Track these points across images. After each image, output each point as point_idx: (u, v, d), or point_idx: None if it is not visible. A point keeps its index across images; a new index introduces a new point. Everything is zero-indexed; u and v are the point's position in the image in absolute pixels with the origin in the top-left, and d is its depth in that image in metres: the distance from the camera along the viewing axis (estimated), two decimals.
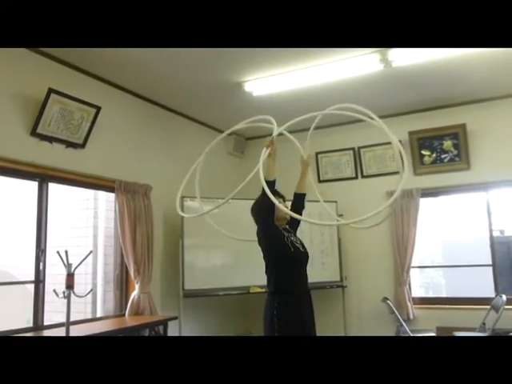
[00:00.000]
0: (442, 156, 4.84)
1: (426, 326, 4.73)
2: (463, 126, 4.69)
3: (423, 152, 4.91)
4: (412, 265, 4.92)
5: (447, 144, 4.82)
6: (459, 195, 5.02)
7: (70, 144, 3.65)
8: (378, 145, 5.13)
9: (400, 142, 5.00)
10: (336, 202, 5.11)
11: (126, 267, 4.14)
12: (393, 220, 4.98)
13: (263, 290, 4.53)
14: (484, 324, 4.18)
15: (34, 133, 3.38)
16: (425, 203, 5.01)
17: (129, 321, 3.90)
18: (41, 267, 3.52)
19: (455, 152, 4.78)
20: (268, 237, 2.76)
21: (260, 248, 2.83)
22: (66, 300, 3.03)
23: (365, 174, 5.23)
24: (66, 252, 2.92)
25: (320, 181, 5.44)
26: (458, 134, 4.73)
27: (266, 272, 2.78)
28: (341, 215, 5.11)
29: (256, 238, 2.84)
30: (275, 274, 2.71)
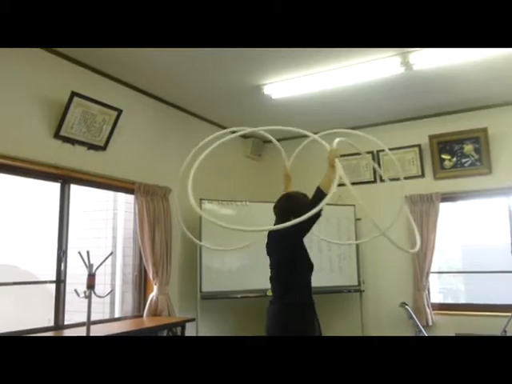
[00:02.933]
0: (463, 160, 4.78)
1: (445, 332, 4.67)
2: (485, 130, 4.62)
3: (443, 156, 4.85)
4: (431, 270, 4.87)
5: (468, 148, 4.75)
6: (480, 200, 4.94)
7: (91, 146, 3.71)
8: (396, 148, 5.08)
9: (420, 145, 4.98)
10: (354, 205, 5.08)
11: (145, 268, 4.18)
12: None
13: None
14: (505, 331, 4.10)
15: (57, 135, 3.44)
16: (445, 208, 4.95)
17: (147, 322, 3.93)
18: (62, 267, 3.58)
19: (476, 156, 4.71)
20: (301, 247, 2.70)
21: (279, 256, 2.68)
22: (85, 300, 3.08)
23: (383, 177, 5.18)
24: (88, 252, 2.96)
25: (338, 184, 5.41)
26: (479, 138, 4.66)
27: (283, 281, 2.61)
28: (359, 219, 5.09)
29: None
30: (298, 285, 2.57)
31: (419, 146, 4.96)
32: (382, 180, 5.21)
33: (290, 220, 2.34)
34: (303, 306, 2.54)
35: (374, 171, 5.23)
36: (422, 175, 4.99)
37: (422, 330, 4.49)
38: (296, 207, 2.56)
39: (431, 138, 4.86)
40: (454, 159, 4.81)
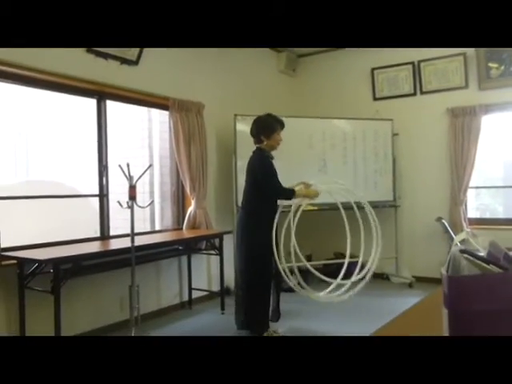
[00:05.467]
0: None
1: (481, 245, 4.66)
2: None
3: (490, 64, 4.55)
4: (470, 185, 4.78)
5: None
6: None
7: (124, 61, 3.67)
8: (439, 58, 4.80)
9: (465, 54, 4.67)
10: (392, 120, 4.93)
11: (182, 184, 4.28)
12: (452, 138, 4.78)
13: (315, 207, 4.58)
14: None
15: (89, 49, 3.40)
16: (488, 120, 4.73)
17: (186, 233, 4.10)
18: (104, 182, 3.71)
19: None
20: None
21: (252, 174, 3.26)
22: (126, 215, 3.21)
23: (424, 89, 4.95)
24: (128, 165, 3.04)
25: (375, 98, 5.23)
26: None
27: (249, 194, 3.28)
28: (396, 134, 4.96)
29: None
30: (260, 200, 3.22)
31: (464, 54, 4.65)
32: (422, 92, 4.99)
33: (260, 139, 3.26)
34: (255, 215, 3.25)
35: (414, 83, 4.98)
36: (466, 86, 4.72)
37: (458, 243, 4.49)
38: (262, 127, 3.27)
39: None
40: (502, 67, 4.50)
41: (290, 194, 3.21)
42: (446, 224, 4.58)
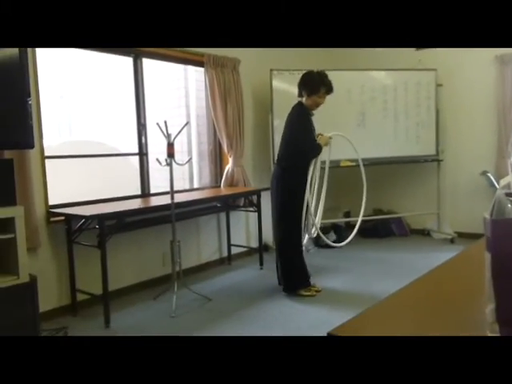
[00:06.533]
0: None
1: None
2: None
3: None
4: None
5: None
6: None
7: None
8: None
9: None
10: (435, 70, 4.69)
11: (219, 142, 4.29)
12: (500, 88, 4.51)
13: (353, 163, 4.50)
14: None
15: None
16: None
17: (224, 191, 4.14)
18: (143, 141, 3.77)
19: None
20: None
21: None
22: (165, 173, 3.26)
23: None
24: (165, 122, 3.07)
25: (418, 47, 4.97)
26: None
27: (284, 149, 3.28)
28: (440, 85, 4.74)
29: None
30: (295, 156, 3.21)
31: None
32: None
33: (301, 93, 3.24)
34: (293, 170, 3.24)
35: None
36: None
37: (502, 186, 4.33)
38: (305, 83, 3.23)
39: None
40: None
41: (320, 148, 3.20)
42: (492, 178, 4.40)
